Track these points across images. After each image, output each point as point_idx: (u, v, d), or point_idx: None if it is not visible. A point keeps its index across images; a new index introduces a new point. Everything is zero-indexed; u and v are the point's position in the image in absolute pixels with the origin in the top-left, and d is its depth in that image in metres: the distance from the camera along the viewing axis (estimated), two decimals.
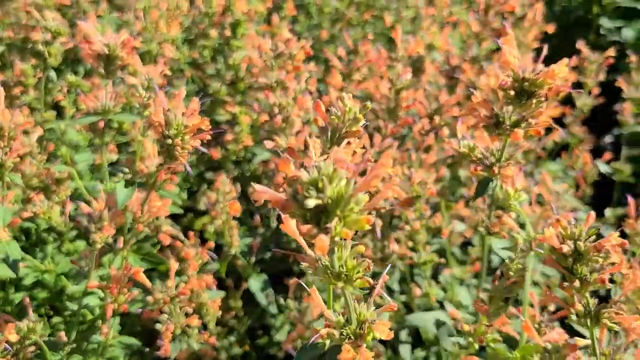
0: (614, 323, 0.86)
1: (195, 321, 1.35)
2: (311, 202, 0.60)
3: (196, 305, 1.45)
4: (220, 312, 1.56)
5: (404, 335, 1.52)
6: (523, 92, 0.97)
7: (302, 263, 0.69)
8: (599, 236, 0.87)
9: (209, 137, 1.14)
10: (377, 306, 0.75)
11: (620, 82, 2.05)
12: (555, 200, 1.79)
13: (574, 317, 0.88)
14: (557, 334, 0.98)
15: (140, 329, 1.78)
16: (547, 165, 2.11)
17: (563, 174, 2.13)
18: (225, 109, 2.20)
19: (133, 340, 1.36)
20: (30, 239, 1.72)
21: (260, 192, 0.63)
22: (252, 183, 0.65)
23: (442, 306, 1.56)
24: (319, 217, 0.62)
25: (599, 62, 2.11)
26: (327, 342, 0.73)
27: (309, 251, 0.69)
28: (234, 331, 1.73)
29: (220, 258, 1.64)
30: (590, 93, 2.14)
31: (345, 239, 0.66)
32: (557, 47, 3.37)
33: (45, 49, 1.84)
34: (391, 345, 1.56)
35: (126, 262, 1.29)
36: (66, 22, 2.03)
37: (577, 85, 2.14)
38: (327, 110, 0.83)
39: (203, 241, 1.63)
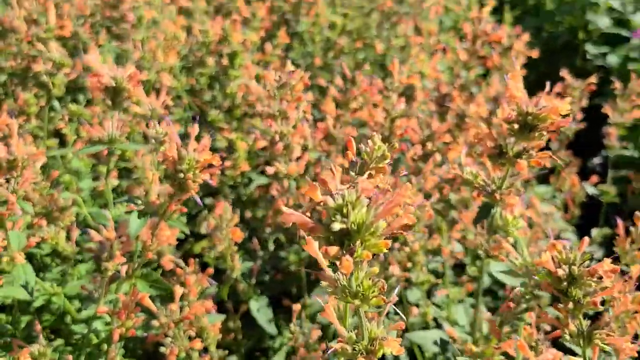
0: (605, 344, 0.91)
1: (198, 344, 1.39)
2: (337, 226, 0.66)
3: (197, 329, 1.49)
4: (220, 335, 1.61)
5: (402, 354, 1.57)
6: (526, 126, 1.03)
7: (322, 282, 0.74)
8: (592, 260, 0.93)
9: (217, 172, 1.21)
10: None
11: (607, 109, 2.14)
12: (543, 222, 1.85)
13: (567, 337, 0.94)
14: (551, 355, 1.03)
15: (141, 352, 1.81)
16: (535, 188, 2.18)
17: (551, 196, 2.20)
18: (222, 135, 2.26)
19: None
20: (35, 264, 1.75)
21: (289, 215, 0.70)
22: (283, 208, 0.71)
23: (437, 326, 1.61)
24: (342, 240, 0.69)
25: (581, 88, 2.19)
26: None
27: (329, 272, 0.75)
28: (233, 353, 1.77)
29: (220, 281, 1.68)
30: (574, 118, 2.22)
31: (361, 261, 0.73)
32: (544, 72, 3.49)
33: (49, 79, 1.89)
34: None
35: (134, 288, 1.33)
36: (66, 52, 2.09)
37: None
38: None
39: (203, 264, 1.67)
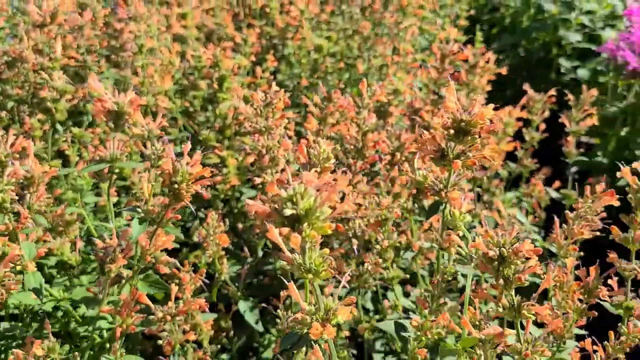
0: (531, 314, 1.08)
1: (192, 336, 1.55)
2: (288, 211, 0.83)
3: (191, 325, 1.66)
4: (213, 333, 1.77)
5: (378, 345, 1.74)
6: (461, 131, 1.20)
7: (281, 261, 0.91)
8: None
9: (208, 183, 1.38)
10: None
11: (563, 119, 2.31)
12: (509, 224, 2.02)
13: (501, 310, 1.10)
14: (493, 330, 1.19)
15: (140, 354, 1.97)
16: (504, 195, 2.35)
17: (519, 201, 2.37)
18: (214, 153, 2.44)
19: (139, 359, 1.55)
20: (44, 275, 1.91)
21: (251, 205, 0.87)
22: (247, 201, 0.88)
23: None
24: (294, 224, 0.85)
25: (543, 101, 2.37)
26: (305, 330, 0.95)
27: (288, 253, 0.92)
28: (226, 350, 1.93)
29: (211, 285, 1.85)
30: (537, 128, 2.40)
31: (314, 244, 0.90)
32: (521, 86, 3.67)
33: (52, 105, 2.07)
34: (368, 355, 1.77)
35: (134, 288, 1.49)
36: (70, 79, 2.27)
37: (527, 121, 2.41)
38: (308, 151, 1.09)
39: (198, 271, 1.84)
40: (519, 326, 1.11)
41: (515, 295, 1.11)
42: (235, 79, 2.46)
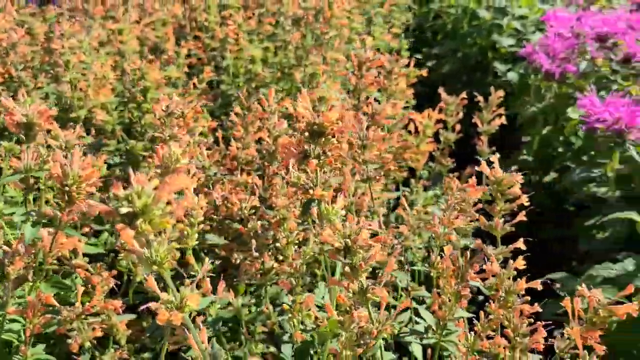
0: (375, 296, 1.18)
1: (99, 333, 1.63)
2: (124, 210, 0.92)
3: (108, 326, 1.74)
4: (136, 332, 1.86)
5: (286, 337, 1.83)
6: (315, 133, 1.31)
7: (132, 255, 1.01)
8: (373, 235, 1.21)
9: (99, 184, 1.47)
10: None
11: (476, 119, 2.43)
12: (416, 220, 2.14)
13: (350, 294, 1.20)
14: (358, 313, 1.29)
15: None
16: (425, 193, 2.46)
17: (437, 199, 2.48)
18: (147, 162, 2.53)
19: (49, 357, 1.63)
20: None
21: (93, 206, 0.96)
22: (90, 202, 0.97)
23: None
24: (132, 220, 0.94)
25: (456, 103, 2.49)
26: None
27: (137, 248, 1.01)
28: (148, 349, 2.01)
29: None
30: (453, 129, 2.51)
31: (163, 239, 0.99)
32: (461, 89, 3.81)
33: None
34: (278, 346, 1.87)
35: (39, 290, 1.58)
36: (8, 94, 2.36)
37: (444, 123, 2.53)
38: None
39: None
40: (369, 308, 1.21)
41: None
42: (165, 90, 2.56)
